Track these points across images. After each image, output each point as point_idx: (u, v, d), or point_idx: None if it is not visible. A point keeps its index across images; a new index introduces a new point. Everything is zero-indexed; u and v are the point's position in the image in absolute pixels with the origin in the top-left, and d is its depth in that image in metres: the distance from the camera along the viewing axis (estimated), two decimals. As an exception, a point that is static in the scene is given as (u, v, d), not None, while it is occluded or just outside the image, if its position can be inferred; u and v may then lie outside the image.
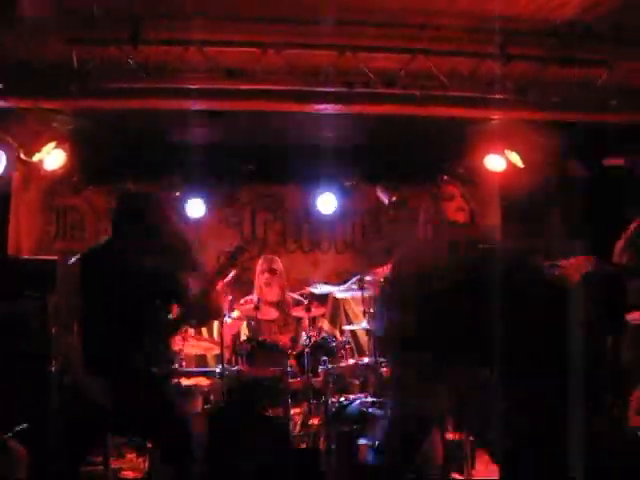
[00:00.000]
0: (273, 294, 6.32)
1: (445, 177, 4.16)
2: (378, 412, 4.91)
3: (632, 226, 5.41)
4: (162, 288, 3.78)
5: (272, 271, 6.39)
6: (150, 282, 3.74)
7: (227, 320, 5.93)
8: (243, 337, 6.16)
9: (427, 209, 4.08)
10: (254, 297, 6.35)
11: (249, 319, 6.20)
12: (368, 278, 5.86)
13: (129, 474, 5.56)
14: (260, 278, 6.41)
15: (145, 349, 3.67)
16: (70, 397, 3.81)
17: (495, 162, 7.31)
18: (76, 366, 3.71)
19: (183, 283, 3.90)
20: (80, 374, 3.67)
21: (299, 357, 5.87)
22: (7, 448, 4.13)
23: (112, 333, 3.66)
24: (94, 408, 3.61)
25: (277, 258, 6.63)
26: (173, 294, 3.84)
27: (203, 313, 3.95)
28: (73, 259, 3.83)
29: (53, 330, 5.83)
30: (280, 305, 6.38)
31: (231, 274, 4.62)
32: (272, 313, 6.25)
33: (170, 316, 3.97)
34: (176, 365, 5.67)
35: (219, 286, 4.07)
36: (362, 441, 4.97)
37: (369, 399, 5.49)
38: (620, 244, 5.50)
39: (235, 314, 6.17)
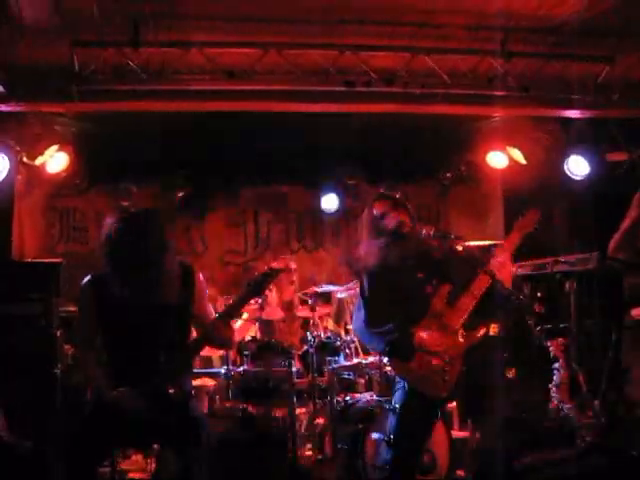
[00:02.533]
0: (292, 293, 6.38)
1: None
2: (387, 406, 4.93)
3: (627, 220, 5.39)
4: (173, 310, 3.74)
5: (295, 271, 6.46)
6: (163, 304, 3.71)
7: (237, 322, 5.94)
8: (248, 337, 6.16)
9: None
10: (259, 298, 6.35)
11: (255, 319, 6.20)
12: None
13: (136, 476, 5.56)
14: (287, 277, 6.41)
15: (164, 368, 3.64)
16: (92, 411, 3.75)
17: (497, 159, 7.32)
18: (100, 382, 3.68)
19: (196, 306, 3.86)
20: (107, 390, 3.63)
21: (304, 357, 5.88)
22: None
23: (132, 351, 3.63)
24: (117, 422, 3.60)
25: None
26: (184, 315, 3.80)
27: (224, 337, 3.89)
28: (86, 279, 3.80)
29: (58, 333, 5.85)
30: (288, 305, 6.39)
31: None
32: (277, 313, 6.26)
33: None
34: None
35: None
36: (375, 436, 4.98)
37: (374, 398, 5.49)
38: (616, 239, 5.49)
39: (244, 315, 6.18)
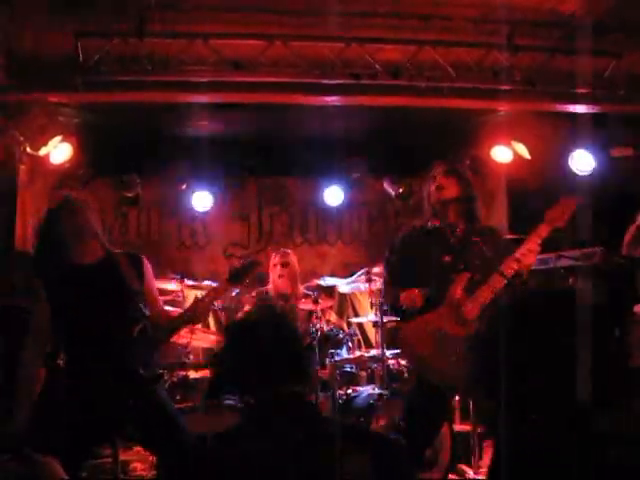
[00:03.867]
0: (285, 287, 6.34)
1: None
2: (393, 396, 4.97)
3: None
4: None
5: (285, 264, 6.41)
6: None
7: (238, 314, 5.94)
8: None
9: None
10: (264, 290, 6.35)
11: (257, 312, 6.21)
12: (375, 270, 5.86)
13: (138, 466, 5.58)
14: (274, 271, 6.42)
15: (125, 350, 3.67)
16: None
17: (502, 153, 7.30)
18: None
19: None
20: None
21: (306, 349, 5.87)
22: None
23: (88, 338, 3.66)
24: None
25: (290, 252, 6.62)
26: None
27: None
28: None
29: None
30: (290, 298, 6.38)
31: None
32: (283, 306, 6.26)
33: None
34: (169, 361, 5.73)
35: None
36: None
37: (376, 391, 5.49)
38: (629, 235, 5.48)
39: (246, 307, 6.18)
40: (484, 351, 3.89)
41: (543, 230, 3.96)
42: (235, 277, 3.91)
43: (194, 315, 3.86)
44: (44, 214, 3.90)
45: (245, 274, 3.93)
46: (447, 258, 3.99)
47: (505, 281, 3.84)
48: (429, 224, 4.12)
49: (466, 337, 3.82)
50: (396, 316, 4.41)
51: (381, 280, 4.38)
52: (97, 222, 3.88)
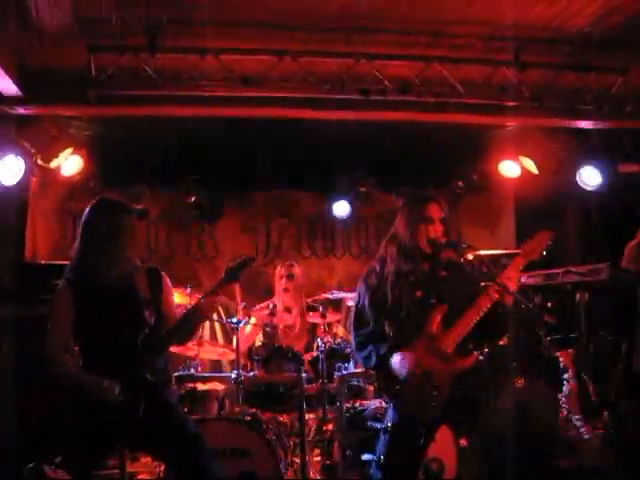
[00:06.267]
0: (290, 300, 6.34)
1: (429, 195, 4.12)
2: (379, 425, 4.93)
3: None
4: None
5: (290, 277, 6.40)
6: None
7: (247, 327, 5.95)
8: (258, 343, 6.18)
9: None
10: (270, 303, 6.35)
11: (265, 325, 6.22)
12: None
13: (144, 477, 5.58)
14: (279, 284, 6.42)
15: (141, 356, 3.73)
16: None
17: (509, 168, 7.33)
18: (83, 377, 3.76)
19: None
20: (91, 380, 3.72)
21: (314, 363, 5.88)
22: None
23: (103, 343, 3.74)
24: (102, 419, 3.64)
25: (296, 264, 6.63)
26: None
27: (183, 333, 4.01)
28: (62, 281, 3.91)
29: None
30: (296, 311, 6.40)
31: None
32: (288, 319, 6.27)
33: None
34: (178, 372, 5.76)
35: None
36: (366, 456, 4.98)
37: (383, 405, 5.49)
38: (631, 249, 5.50)
39: (253, 320, 6.19)
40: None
41: (519, 262, 3.91)
42: (231, 275, 3.97)
43: (195, 314, 3.91)
44: (86, 213, 3.98)
45: (240, 271, 3.98)
46: (419, 293, 3.93)
47: (485, 312, 3.80)
48: (399, 265, 3.97)
49: (443, 371, 3.77)
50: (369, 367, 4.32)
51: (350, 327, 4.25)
52: (135, 232, 4.00)
